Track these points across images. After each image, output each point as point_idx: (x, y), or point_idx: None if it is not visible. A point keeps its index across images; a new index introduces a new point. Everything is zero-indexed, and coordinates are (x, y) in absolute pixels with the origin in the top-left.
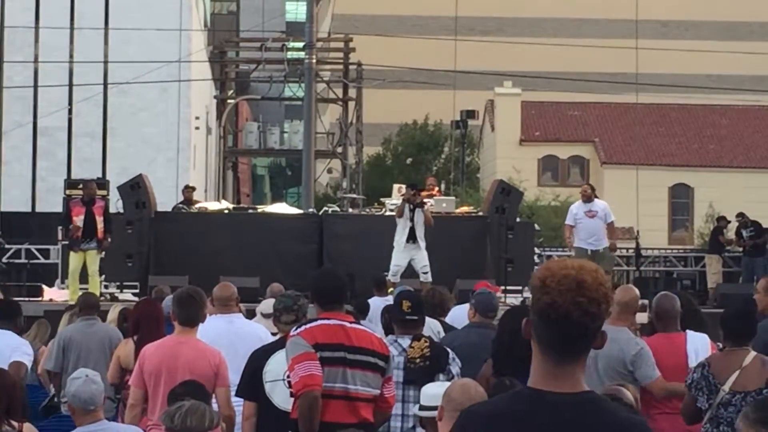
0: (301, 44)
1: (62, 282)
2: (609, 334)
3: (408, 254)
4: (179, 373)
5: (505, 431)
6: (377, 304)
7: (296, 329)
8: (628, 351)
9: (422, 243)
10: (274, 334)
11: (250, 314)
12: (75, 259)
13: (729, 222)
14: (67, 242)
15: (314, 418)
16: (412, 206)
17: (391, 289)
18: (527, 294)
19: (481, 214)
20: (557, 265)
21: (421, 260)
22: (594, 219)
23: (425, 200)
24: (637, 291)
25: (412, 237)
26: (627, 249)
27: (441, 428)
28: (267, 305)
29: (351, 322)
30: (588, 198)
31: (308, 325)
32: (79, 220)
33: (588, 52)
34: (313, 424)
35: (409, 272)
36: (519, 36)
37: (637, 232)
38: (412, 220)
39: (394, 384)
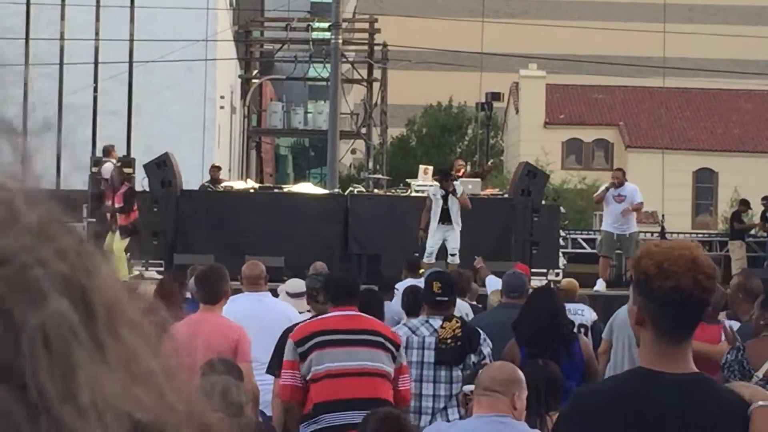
0: (326, 24)
1: None
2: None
3: (441, 234)
4: (198, 350)
5: (624, 411)
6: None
7: (296, 327)
8: None
9: (457, 226)
10: (300, 313)
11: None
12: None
13: (749, 208)
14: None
15: (285, 421)
16: (444, 192)
17: (422, 270)
18: (552, 276)
19: (506, 196)
20: (666, 248)
21: (453, 241)
22: (622, 204)
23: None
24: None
25: (445, 219)
26: (652, 233)
27: (475, 408)
28: (294, 285)
29: (357, 314)
30: (620, 184)
31: (310, 320)
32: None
33: (614, 36)
34: (284, 425)
35: (439, 254)
36: (545, 18)
37: (662, 216)
38: (445, 205)
39: (409, 375)
